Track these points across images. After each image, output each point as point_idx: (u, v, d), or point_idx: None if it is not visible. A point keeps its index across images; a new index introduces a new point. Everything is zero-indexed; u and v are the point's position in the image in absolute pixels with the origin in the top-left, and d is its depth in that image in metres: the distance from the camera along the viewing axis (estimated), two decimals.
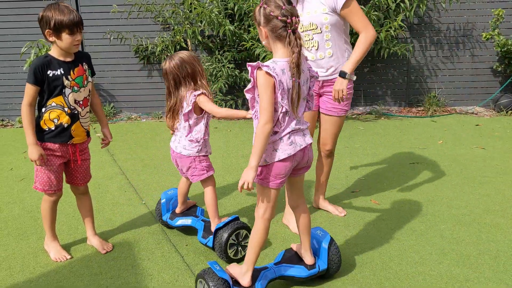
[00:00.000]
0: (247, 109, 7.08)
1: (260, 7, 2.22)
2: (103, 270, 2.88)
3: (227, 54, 6.81)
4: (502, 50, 6.81)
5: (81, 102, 2.85)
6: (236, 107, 7.18)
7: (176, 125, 3.06)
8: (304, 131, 2.36)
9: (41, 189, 2.92)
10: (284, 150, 2.26)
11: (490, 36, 6.77)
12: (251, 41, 6.41)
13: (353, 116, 6.97)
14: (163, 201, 3.40)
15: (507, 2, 7.03)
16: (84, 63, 2.85)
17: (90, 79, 2.90)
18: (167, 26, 7.00)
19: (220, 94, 6.93)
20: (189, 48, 6.89)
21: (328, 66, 3.16)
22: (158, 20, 6.97)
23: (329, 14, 3.00)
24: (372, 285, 2.63)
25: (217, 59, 6.81)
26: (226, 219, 2.97)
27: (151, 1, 6.83)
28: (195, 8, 6.39)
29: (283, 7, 2.15)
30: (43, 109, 2.77)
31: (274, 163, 2.27)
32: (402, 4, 6.50)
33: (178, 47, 6.90)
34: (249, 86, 2.26)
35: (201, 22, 6.60)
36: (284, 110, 2.23)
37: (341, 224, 3.42)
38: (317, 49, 3.12)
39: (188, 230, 3.34)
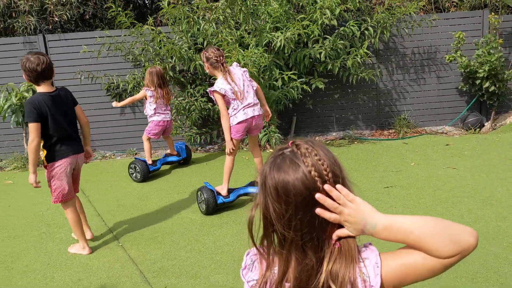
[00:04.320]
0: (223, 140, 7.14)
1: (203, 52, 4.33)
2: None
3: (199, 88, 6.88)
4: (466, 70, 7.05)
5: None
6: (211, 140, 7.22)
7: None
8: (254, 106, 4.31)
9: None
10: (240, 117, 4.25)
11: (453, 58, 7.01)
12: None
13: (327, 142, 7.06)
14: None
15: (466, 25, 7.32)
16: None
17: None
18: (138, 63, 7.04)
19: (195, 127, 6.97)
20: None
21: None
22: (129, 58, 7.01)
23: None
24: None
25: (189, 93, 6.87)
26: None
27: (120, 39, 6.87)
28: (164, 45, 6.46)
29: (215, 52, 4.24)
30: None
31: (235, 125, 4.27)
32: (366, 32, 6.70)
33: None
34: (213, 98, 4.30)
35: (171, 58, 6.66)
36: (232, 99, 4.24)
37: None
38: None
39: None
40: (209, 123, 7.20)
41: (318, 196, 1.06)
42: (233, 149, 4.31)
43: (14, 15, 7.53)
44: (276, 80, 6.39)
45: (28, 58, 3.37)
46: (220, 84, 4.19)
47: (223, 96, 4.20)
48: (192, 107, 6.75)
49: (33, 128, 3.35)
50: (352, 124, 7.54)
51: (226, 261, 3.42)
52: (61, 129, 3.51)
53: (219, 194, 4.40)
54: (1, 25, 7.64)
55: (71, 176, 3.67)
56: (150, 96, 5.61)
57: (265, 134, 6.39)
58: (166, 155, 6.16)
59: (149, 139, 5.84)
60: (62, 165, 3.54)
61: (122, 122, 7.25)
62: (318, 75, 6.87)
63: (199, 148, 7.25)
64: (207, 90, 4.43)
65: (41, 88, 3.46)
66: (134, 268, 3.42)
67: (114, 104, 5.86)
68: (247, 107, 4.27)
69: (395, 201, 4.40)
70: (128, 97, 7.09)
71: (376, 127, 7.61)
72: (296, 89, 6.41)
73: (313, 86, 6.62)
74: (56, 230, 4.30)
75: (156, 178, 5.81)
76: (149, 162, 5.80)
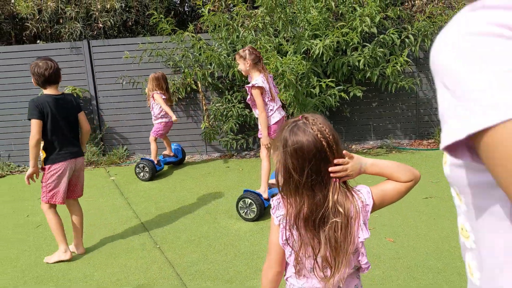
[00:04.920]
0: (258, 146, 7.18)
1: (243, 50, 4.39)
2: None
3: (237, 94, 6.94)
4: None
5: None
6: (247, 146, 7.26)
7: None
8: (282, 107, 4.70)
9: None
10: (276, 117, 4.49)
11: None
12: None
13: (364, 151, 6.98)
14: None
15: None
16: None
17: None
18: (178, 69, 7.17)
19: (231, 133, 7.03)
20: (199, 89, 7.03)
21: None
22: (169, 64, 7.15)
23: None
24: None
25: (227, 100, 6.94)
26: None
27: (161, 46, 7.02)
28: (204, 52, 6.56)
29: (255, 50, 4.41)
30: None
31: (272, 125, 4.44)
32: (407, 40, 6.61)
33: (188, 89, 7.04)
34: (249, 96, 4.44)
35: (210, 64, 6.76)
36: (269, 99, 4.44)
37: None
38: None
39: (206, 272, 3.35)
40: (245, 129, 7.25)
41: (331, 169, 1.52)
42: (269, 145, 4.40)
43: (61, 21, 7.81)
44: (314, 88, 6.38)
45: (37, 63, 3.56)
46: (261, 82, 4.31)
47: (262, 93, 4.34)
48: (229, 113, 6.82)
49: (34, 124, 3.52)
50: (390, 133, 7.43)
51: (262, 267, 3.43)
52: (59, 132, 3.64)
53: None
54: (49, 31, 7.94)
55: (67, 180, 3.75)
56: (162, 98, 6.07)
57: None
58: (165, 156, 6.54)
59: (156, 139, 6.21)
60: (59, 168, 3.67)
61: None
62: (356, 83, 6.82)
63: (235, 154, 7.31)
64: (247, 86, 4.44)
65: (47, 91, 3.65)
66: (171, 270, 3.48)
67: (174, 119, 6.06)
68: (279, 108, 4.57)
69: (435, 212, 4.31)
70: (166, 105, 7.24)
71: (415, 136, 7.48)
72: (333, 96, 6.39)
73: (351, 94, 6.58)
74: (96, 230, 4.41)
75: (193, 182, 5.89)
76: (155, 162, 6.19)
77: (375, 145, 7.29)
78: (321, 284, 1.59)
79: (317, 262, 1.56)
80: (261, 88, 4.29)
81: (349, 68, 6.61)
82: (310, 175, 1.51)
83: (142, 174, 6.08)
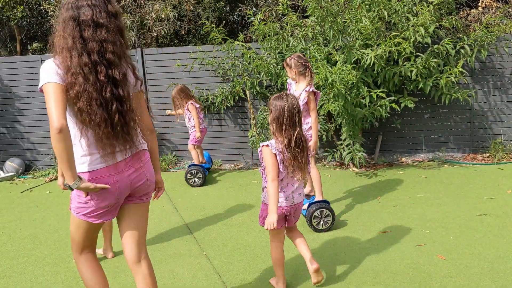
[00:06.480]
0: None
1: (290, 58, 4.46)
2: None
3: None
4: None
5: None
6: None
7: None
8: None
9: None
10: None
11: None
12: None
13: (415, 164, 6.80)
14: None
15: None
16: None
17: None
18: (227, 78, 7.25)
19: None
20: (248, 98, 7.09)
21: None
22: (219, 73, 7.25)
23: None
24: None
25: None
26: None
27: (212, 54, 7.13)
28: (253, 61, 6.61)
29: (303, 57, 4.46)
30: None
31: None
32: (462, 50, 6.41)
33: (237, 97, 7.11)
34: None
35: (259, 73, 6.80)
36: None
37: (405, 280, 3.29)
38: None
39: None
40: None
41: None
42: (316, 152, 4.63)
43: None
44: (364, 98, 6.28)
45: None
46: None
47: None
48: None
49: None
50: (442, 146, 7.20)
51: (308, 278, 3.40)
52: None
53: None
54: None
55: None
56: (197, 107, 6.21)
57: (349, 152, 6.29)
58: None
59: (194, 147, 6.35)
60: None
61: (209, 134, 7.48)
62: (407, 93, 6.66)
63: None
64: (306, 90, 4.37)
65: None
66: (217, 278, 3.50)
67: (198, 135, 6.20)
68: None
69: (489, 231, 4.12)
70: (215, 110, 7.33)
71: (468, 150, 7.21)
72: (384, 107, 6.25)
73: (402, 105, 6.42)
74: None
75: (239, 190, 5.92)
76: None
77: (426, 158, 7.08)
78: (294, 182, 3.03)
79: (294, 169, 2.96)
80: (317, 94, 4.47)
81: (401, 78, 6.47)
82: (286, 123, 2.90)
83: (194, 180, 6.18)
